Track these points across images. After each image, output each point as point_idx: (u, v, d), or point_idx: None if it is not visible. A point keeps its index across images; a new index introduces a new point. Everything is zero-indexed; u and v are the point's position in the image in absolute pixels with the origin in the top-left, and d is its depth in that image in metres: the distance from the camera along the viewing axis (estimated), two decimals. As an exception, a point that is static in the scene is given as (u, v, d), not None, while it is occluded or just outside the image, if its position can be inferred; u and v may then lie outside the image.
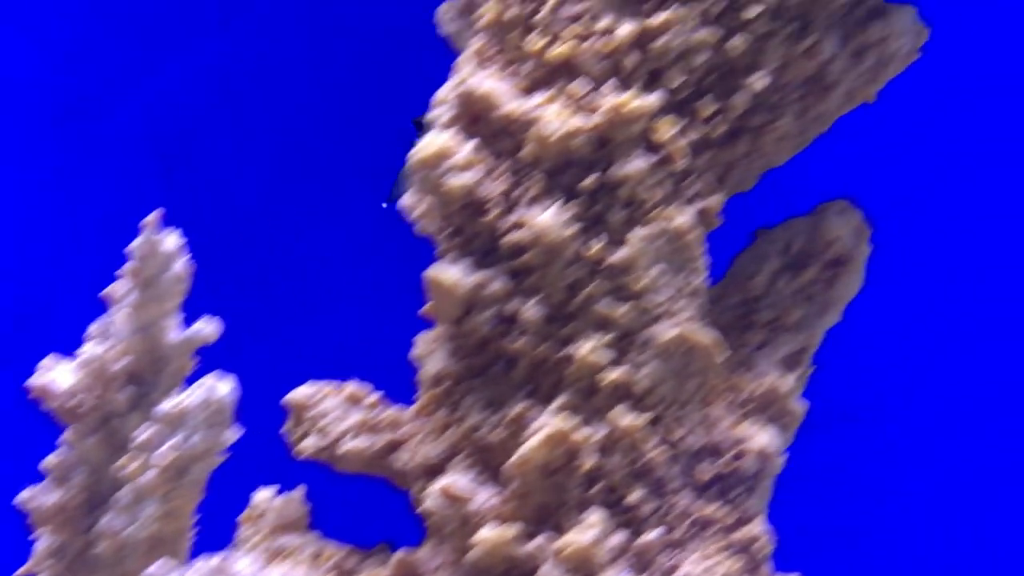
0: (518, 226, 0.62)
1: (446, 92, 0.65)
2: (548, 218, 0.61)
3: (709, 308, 0.66)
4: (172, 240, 0.65)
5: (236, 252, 1.24)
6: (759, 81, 0.64)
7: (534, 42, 0.63)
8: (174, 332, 0.66)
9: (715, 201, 0.64)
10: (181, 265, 0.66)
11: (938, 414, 1.23)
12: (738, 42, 0.63)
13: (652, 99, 0.62)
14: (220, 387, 0.63)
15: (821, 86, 0.67)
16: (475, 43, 0.66)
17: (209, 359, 0.69)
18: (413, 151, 0.63)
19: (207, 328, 0.67)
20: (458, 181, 0.63)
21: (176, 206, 0.71)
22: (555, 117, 0.61)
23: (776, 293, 0.70)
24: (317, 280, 1.27)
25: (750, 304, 0.70)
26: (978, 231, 1.19)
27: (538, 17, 0.63)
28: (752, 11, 0.63)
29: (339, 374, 0.74)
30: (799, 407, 0.69)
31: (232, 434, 0.64)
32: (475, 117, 0.63)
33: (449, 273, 0.63)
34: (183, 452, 0.62)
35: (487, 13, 0.65)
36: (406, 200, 0.68)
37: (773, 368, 0.68)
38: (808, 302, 0.70)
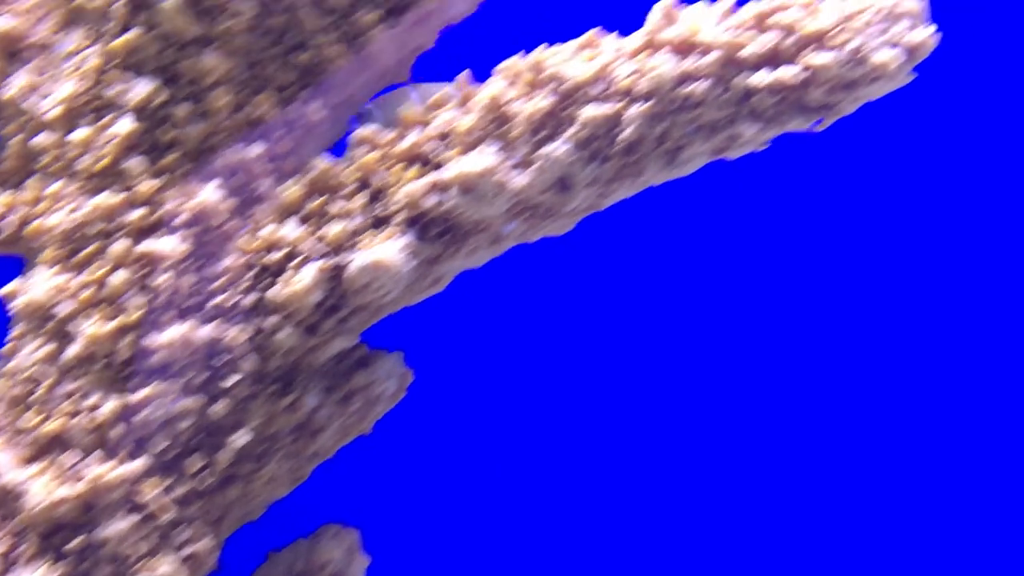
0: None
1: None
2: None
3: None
4: None
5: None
6: (241, 439, 0.73)
7: (30, 419, 0.71)
8: None
9: (204, 546, 0.73)
10: None
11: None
12: (219, 407, 0.73)
13: (135, 465, 0.71)
14: None
15: (310, 431, 0.78)
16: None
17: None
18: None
19: None
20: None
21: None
22: (42, 488, 0.70)
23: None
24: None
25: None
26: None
27: (36, 396, 0.72)
28: (230, 380, 0.73)
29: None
30: None
31: None
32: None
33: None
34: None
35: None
36: None
37: None
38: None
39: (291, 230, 0.73)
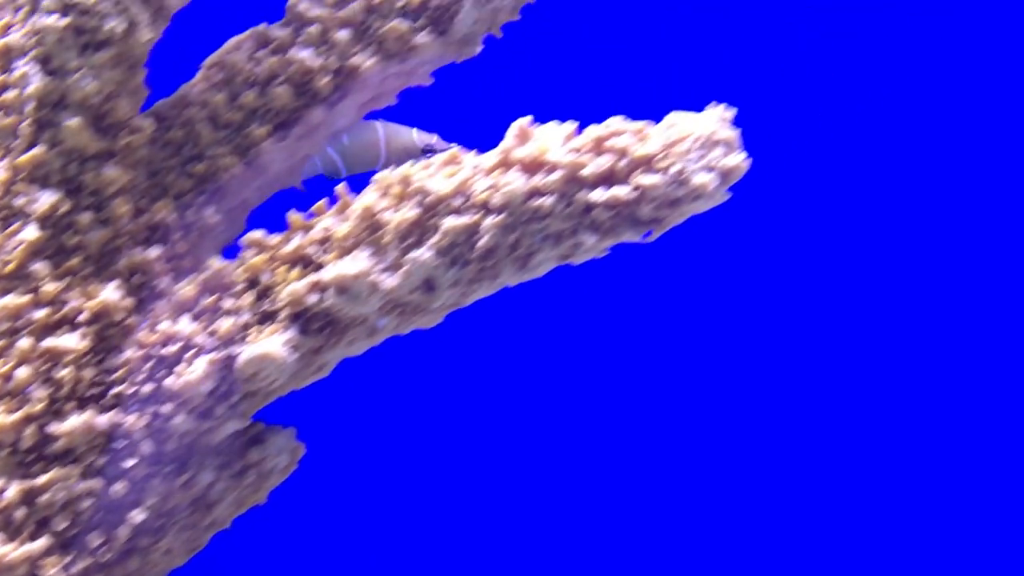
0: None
1: None
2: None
3: None
4: None
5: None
6: (137, 516, 0.80)
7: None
8: None
9: (104, 614, 0.80)
10: None
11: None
12: (119, 487, 0.80)
13: (36, 545, 0.78)
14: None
15: (205, 504, 0.85)
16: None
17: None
18: None
19: None
20: None
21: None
22: (-47, 566, 0.76)
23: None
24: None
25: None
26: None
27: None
28: (129, 463, 0.80)
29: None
30: None
31: None
32: None
33: None
34: None
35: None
36: None
37: None
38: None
39: (185, 325, 0.80)
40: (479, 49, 0.91)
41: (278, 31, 0.88)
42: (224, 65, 0.87)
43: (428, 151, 0.95)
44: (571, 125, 0.79)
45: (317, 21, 0.87)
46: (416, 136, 0.96)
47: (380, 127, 0.95)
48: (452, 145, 0.95)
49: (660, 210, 0.74)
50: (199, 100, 0.86)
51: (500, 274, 0.79)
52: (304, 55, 0.86)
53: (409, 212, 0.79)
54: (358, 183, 0.84)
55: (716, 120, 0.74)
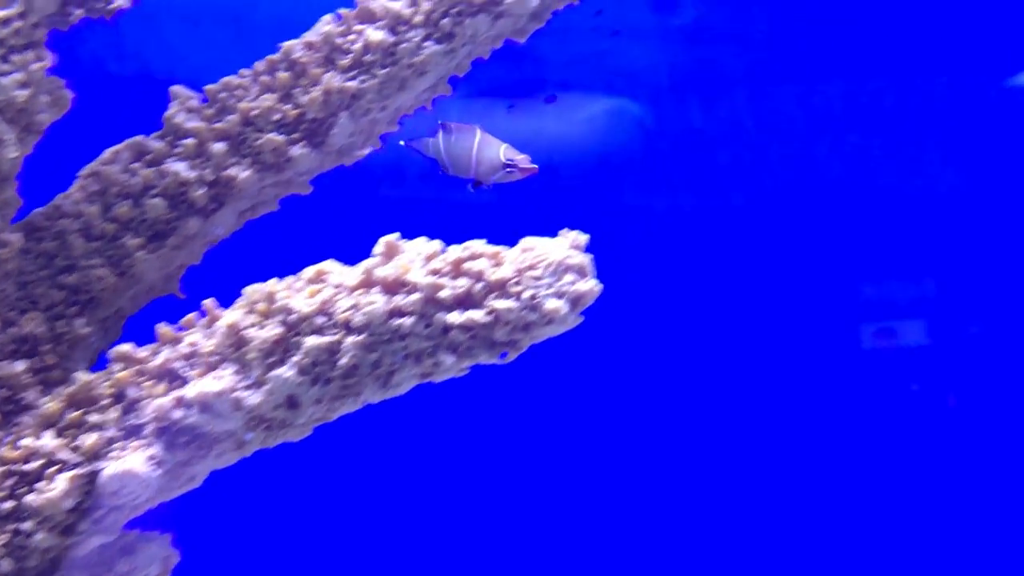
0: None
1: None
2: None
3: None
4: None
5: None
6: (-2, 632, 0.80)
7: None
8: None
9: None
10: None
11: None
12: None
13: None
14: None
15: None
16: None
17: None
18: None
19: None
20: None
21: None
22: None
23: None
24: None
25: None
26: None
27: None
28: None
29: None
30: None
31: None
32: None
33: None
34: None
35: None
36: None
37: None
38: None
39: (49, 440, 0.80)
40: (362, 155, 0.93)
41: (154, 143, 0.89)
42: (99, 176, 0.87)
43: (510, 166, 0.95)
44: (436, 244, 0.80)
45: (194, 134, 0.88)
46: (503, 152, 0.96)
47: (478, 135, 0.97)
48: (534, 166, 0.95)
49: (514, 333, 0.75)
50: (73, 211, 0.86)
51: (362, 392, 0.79)
52: (179, 167, 0.87)
53: (272, 330, 0.79)
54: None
55: (568, 246, 0.75)
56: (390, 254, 0.80)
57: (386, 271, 0.78)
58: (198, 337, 0.82)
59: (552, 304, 0.74)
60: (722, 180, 1.71)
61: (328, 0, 0.87)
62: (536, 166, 0.96)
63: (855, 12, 1.64)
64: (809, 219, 1.61)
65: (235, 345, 0.80)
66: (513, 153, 0.98)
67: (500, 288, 0.75)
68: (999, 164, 1.49)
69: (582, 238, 0.75)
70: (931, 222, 1.49)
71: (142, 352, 0.83)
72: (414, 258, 0.79)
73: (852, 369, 1.55)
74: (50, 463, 0.80)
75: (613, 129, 1.83)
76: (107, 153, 0.88)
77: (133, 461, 0.80)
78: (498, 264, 0.75)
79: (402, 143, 0.98)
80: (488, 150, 0.97)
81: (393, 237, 0.81)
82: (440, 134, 0.93)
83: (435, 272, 0.77)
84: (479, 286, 0.76)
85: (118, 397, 0.82)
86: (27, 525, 0.80)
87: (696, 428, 1.66)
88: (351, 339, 0.77)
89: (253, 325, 0.80)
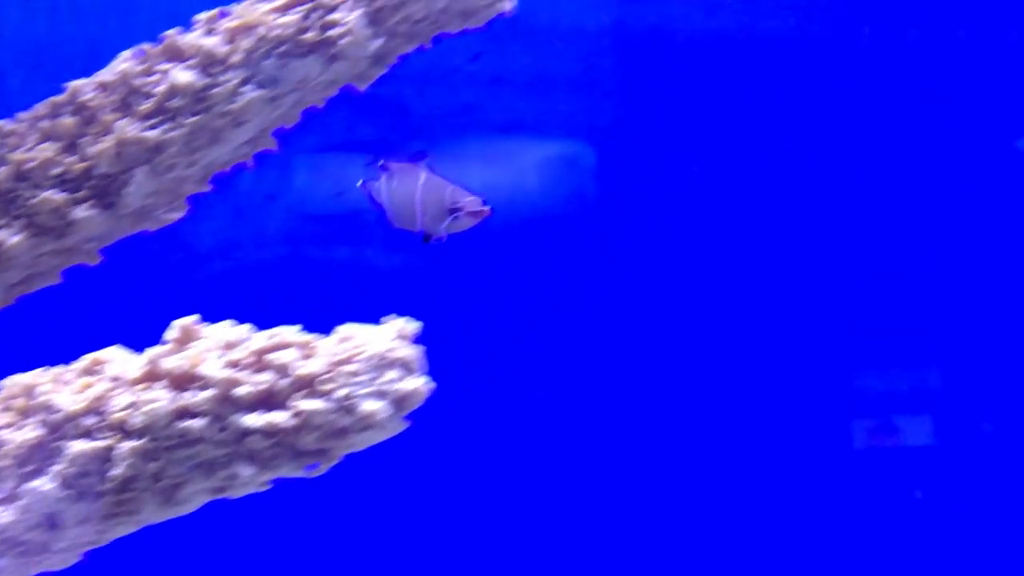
0: None
1: None
2: None
3: None
4: None
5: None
6: None
7: None
8: None
9: None
10: None
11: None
12: None
13: None
14: None
15: None
16: None
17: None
18: None
19: None
20: None
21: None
22: None
23: None
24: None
25: None
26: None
27: None
28: None
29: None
30: None
31: None
32: None
33: None
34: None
35: None
36: None
37: None
38: None
39: None
40: (168, 220, 0.80)
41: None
42: None
43: (455, 210, 0.82)
44: (243, 329, 0.67)
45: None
46: (449, 194, 0.83)
47: (422, 176, 0.82)
48: (485, 208, 0.82)
49: (325, 441, 0.63)
50: None
51: (141, 509, 0.65)
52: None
53: (31, 432, 0.65)
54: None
55: (393, 336, 0.63)
56: (184, 340, 0.67)
57: (175, 362, 0.65)
58: (-60, 439, 0.67)
59: (370, 405, 0.61)
60: (686, 257, 1.60)
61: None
62: (488, 208, 0.83)
63: (842, 69, 1.56)
64: (791, 294, 1.50)
65: (-16, 450, 0.66)
66: (460, 195, 0.85)
67: (309, 385, 0.63)
68: (1017, 235, 1.40)
69: (409, 327, 0.63)
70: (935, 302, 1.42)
71: None
72: (212, 346, 0.66)
73: (843, 473, 1.41)
74: None
75: (556, 177, 1.73)
76: None
77: None
78: (308, 356, 0.63)
79: (359, 183, 0.84)
80: (434, 194, 0.83)
81: (190, 320, 0.68)
82: (383, 178, 0.79)
83: (233, 364, 0.64)
84: (284, 382, 0.63)
85: None
86: None
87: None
88: (127, 444, 0.63)
89: (8, 425, 0.66)
